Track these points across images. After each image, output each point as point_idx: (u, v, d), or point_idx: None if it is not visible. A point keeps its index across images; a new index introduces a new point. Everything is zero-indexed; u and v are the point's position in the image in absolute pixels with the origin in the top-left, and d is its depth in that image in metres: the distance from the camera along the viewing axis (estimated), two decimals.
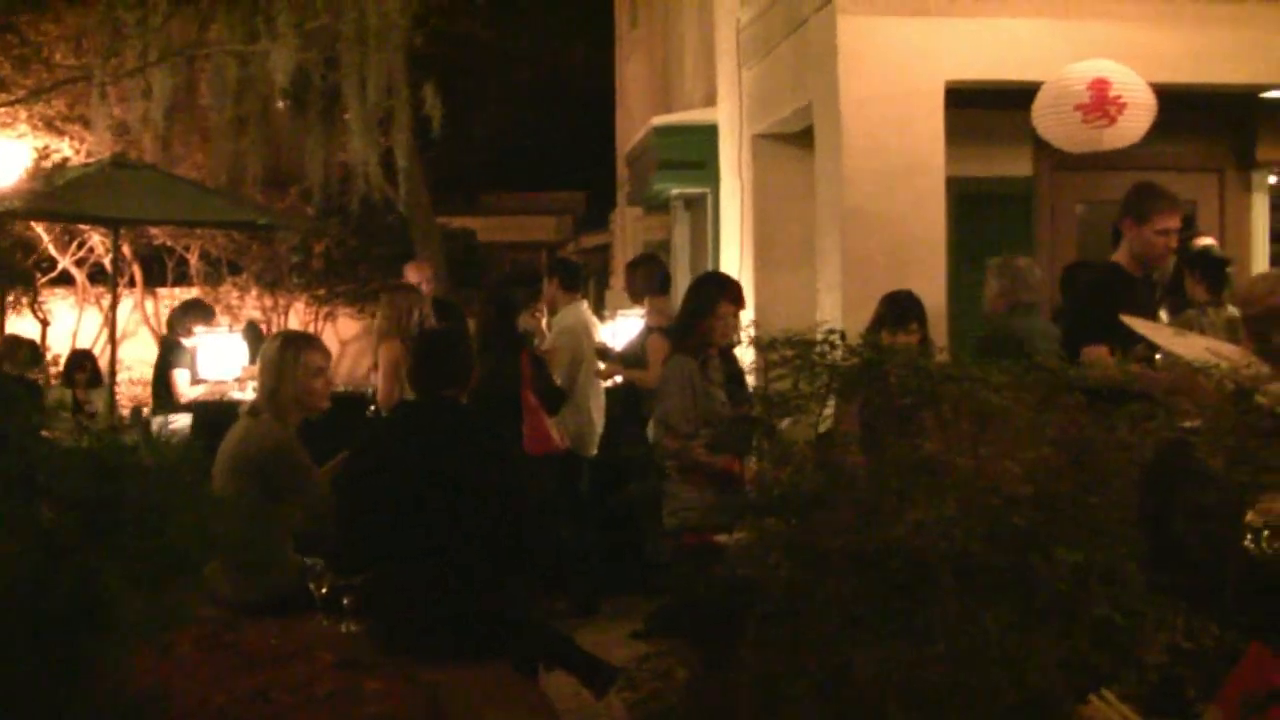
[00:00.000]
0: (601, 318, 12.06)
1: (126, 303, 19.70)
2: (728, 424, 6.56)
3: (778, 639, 3.56)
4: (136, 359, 18.84)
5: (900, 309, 7.55)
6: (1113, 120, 7.86)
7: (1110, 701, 2.72)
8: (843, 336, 3.88)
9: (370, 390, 10.18)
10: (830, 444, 3.69)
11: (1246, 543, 3.53)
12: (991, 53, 8.64)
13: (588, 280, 24.00)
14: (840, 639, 3.40)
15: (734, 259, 11.55)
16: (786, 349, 3.95)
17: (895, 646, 3.29)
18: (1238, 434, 3.55)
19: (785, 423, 3.97)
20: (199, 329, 11.95)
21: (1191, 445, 2.96)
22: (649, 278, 10.24)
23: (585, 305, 10.48)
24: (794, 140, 10.55)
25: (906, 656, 3.27)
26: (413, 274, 11.69)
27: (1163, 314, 8.40)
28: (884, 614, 3.36)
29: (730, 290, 7.46)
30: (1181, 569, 2.90)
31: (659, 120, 13.92)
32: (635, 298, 10.37)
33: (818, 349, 3.98)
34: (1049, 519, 3.18)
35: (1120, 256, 7.07)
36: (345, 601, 5.82)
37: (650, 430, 8.10)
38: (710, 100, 12.68)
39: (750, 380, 7.07)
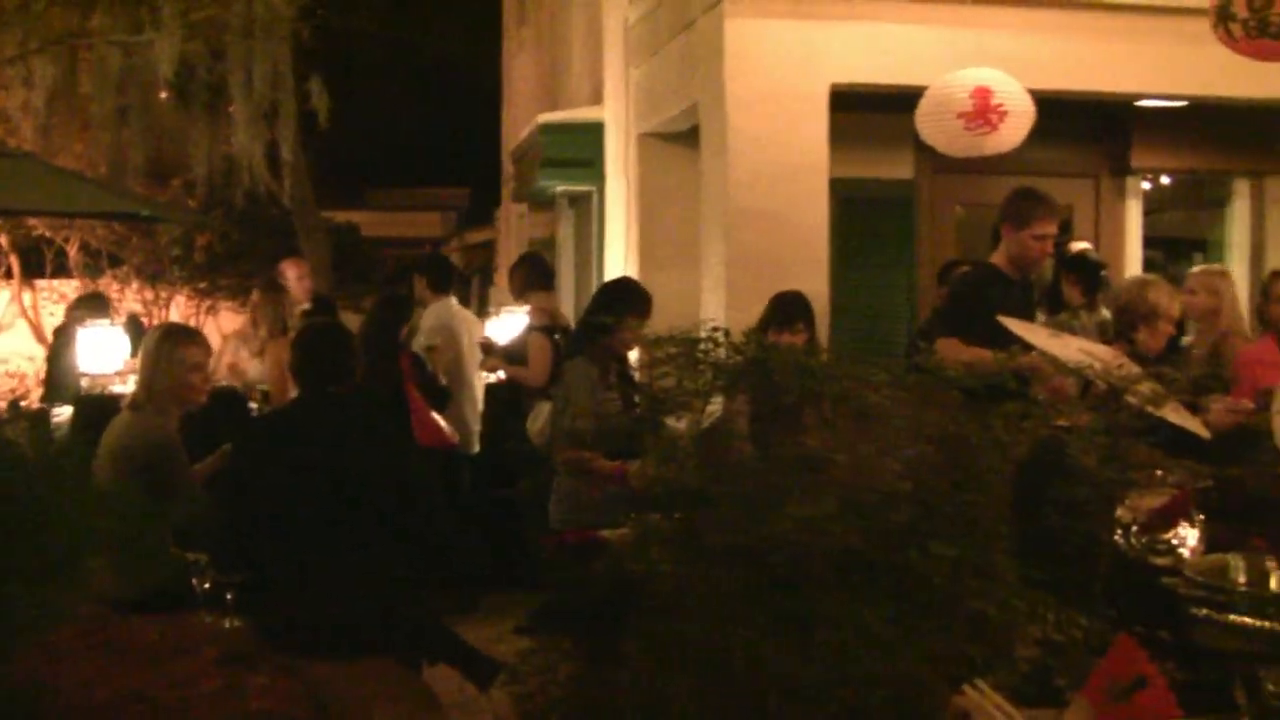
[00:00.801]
0: (486, 314, 12.06)
1: (3, 295, 19.40)
2: (620, 428, 6.58)
3: (659, 634, 3.60)
4: (12, 351, 18.56)
5: (787, 309, 7.61)
6: (994, 127, 8.00)
7: (983, 691, 2.79)
8: (726, 334, 3.92)
9: (242, 387, 10.08)
10: (713, 441, 3.73)
11: (1116, 538, 3.63)
12: (875, 57, 8.75)
13: (471, 277, 23.95)
14: (722, 634, 3.45)
15: (619, 257, 11.61)
16: (671, 346, 3.99)
17: (776, 641, 3.34)
18: (1109, 432, 3.65)
19: (670, 420, 4.02)
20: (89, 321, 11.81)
21: (1064, 443, 3.05)
22: (531, 276, 10.28)
23: (454, 303, 10.50)
24: (680, 140, 10.62)
25: (787, 650, 3.32)
26: (290, 270, 11.59)
27: (1040, 316, 8.57)
28: (765, 609, 3.41)
29: (642, 303, 7.51)
30: (1052, 563, 2.98)
31: (545, 117, 13.92)
32: (518, 295, 10.38)
33: (701, 346, 4.02)
34: (926, 515, 3.24)
35: (997, 258, 7.23)
36: (229, 597, 5.79)
37: (531, 425, 8.14)
38: (597, 98, 12.71)
39: (638, 378, 7.16)
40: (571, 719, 4.14)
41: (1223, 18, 6.38)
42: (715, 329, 4.10)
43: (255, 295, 10.78)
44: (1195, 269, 8.53)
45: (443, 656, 6.23)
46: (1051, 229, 7.18)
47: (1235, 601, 2.62)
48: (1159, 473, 3.87)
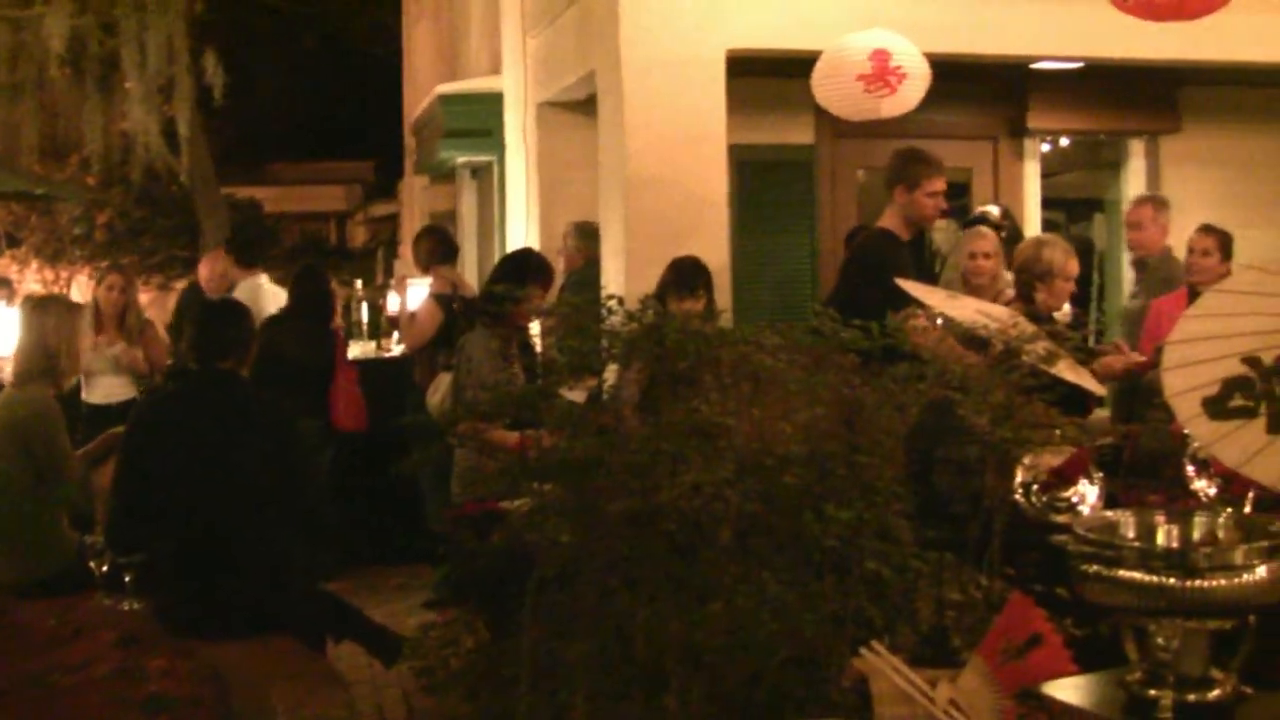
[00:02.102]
0: (390, 287, 12.00)
1: None
2: (520, 398, 6.54)
3: (557, 603, 3.59)
4: None
5: (686, 275, 7.60)
6: (893, 90, 8.01)
7: (880, 653, 2.79)
8: (620, 301, 3.91)
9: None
10: (607, 409, 3.72)
11: (1017, 497, 3.64)
12: (772, 21, 8.72)
13: (377, 249, 23.80)
14: (620, 601, 3.44)
15: (520, 227, 11.56)
16: (567, 314, 3.98)
17: (674, 606, 3.34)
18: (1003, 392, 3.66)
19: (566, 389, 4.00)
20: None
21: (954, 404, 3.05)
22: (433, 249, 10.23)
23: (265, 280, 10.51)
24: (579, 108, 10.57)
25: (685, 616, 3.32)
26: (204, 269, 11.48)
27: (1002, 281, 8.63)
28: (663, 575, 3.41)
29: (545, 274, 7.51)
30: (945, 523, 3.00)
31: (444, 88, 13.84)
32: (422, 268, 10.33)
33: (594, 313, 4.00)
34: (821, 478, 3.25)
35: (889, 221, 7.33)
36: (126, 579, 5.72)
37: (430, 398, 8.08)
38: (496, 68, 12.63)
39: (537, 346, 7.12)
40: (474, 690, 4.12)
41: None
42: (610, 296, 4.09)
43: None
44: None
45: (346, 633, 6.19)
46: (942, 185, 7.35)
47: (1123, 557, 2.63)
48: (1058, 431, 3.91)
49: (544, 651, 3.61)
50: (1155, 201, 8.81)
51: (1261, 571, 2.60)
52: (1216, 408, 3.07)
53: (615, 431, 3.50)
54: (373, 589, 9.08)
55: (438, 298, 9.55)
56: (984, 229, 8.66)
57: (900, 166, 7.36)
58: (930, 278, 8.55)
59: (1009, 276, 8.45)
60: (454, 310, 9.18)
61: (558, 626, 3.60)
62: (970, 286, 8.09)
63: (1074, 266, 7.18)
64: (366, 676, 7.07)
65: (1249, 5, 7.64)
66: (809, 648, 3.28)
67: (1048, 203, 12.06)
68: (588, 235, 9.85)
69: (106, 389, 9.28)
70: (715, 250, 8.31)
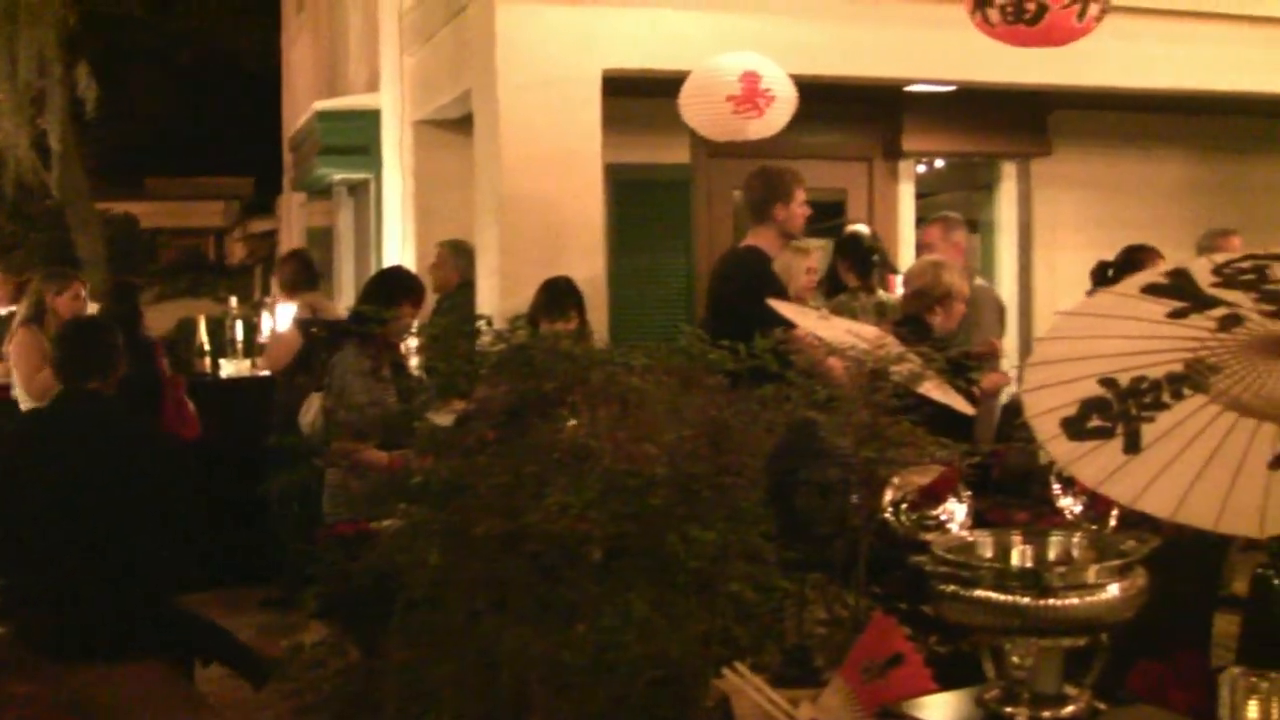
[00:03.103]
0: (264, 305, 11.91)
1: None
2: (391, 418, 6.51)
3: (424, 625, 3.58)
4: None
5: (558, 296, 7.62)
6: (761, 112, 8.08)
7: (743, 673, 2.81)
8: (489, 322, 3.90)
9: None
10: (472, 429, 3.71)
11: (886, 516, 3.68)
12: (646, 43, 8.77)
13: (255, 267, 23.55)
14: (486, 623, 3.43)
15: (396, 245, 11.52)
16: (435, 335, 3.97)
17: (539, 629, 3.33)
18: (868, 412, 3.70)
19: (434, 412, 3.99)
20: None
21: (816, 425, 3.08)
22: (296, 274, 10.18)
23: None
24: (455, 127, 10.56)
25: (551, 638, 3.31)
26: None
27: (819, 299, 8.71)
28: (529, 597, 3.40)
29: (415, 292, 7.48)
30: (807, 543, 3.02)
31: (321, 105, 13.79)
32: (285, 292, 10.25)
33: (466, 334, 4.00)
34: (686, 499, 3.26)
35: (761, 240, 7.40)
36: None
37: (302, 417, 8.01)
38: (374, 85, 12.59)
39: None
40: (344, 712, 4.09)
41: (980, 3, 6.49)
42: (479, 317, 4.08)
43: None
44: None
45: (214, 656, 6.13)
46: (805, 194, 7.44)
47: (979, 577, 2.67)
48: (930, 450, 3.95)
49: (410, 673, 3.59)
50: (944, 221, 8.85)
51: (1113, 590, 2.64)
52: (1075, 428, 3.11)
53: (480, 453, 3.49)
54: (239, 609, 8.97)
55: (298, 322, 9.51)
56: (809, 245, 8.76)
57: (773, 182, 7.46)
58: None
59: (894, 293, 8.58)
60: (312, 335, 9.13)
61: (425, 648, 3.58)
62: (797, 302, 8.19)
63: (967, 288, 7.32)
64: (236, 700, 6.98)
65: (1116, 32, 7.77)
66: (675, 669, 3.29)
67: (923, 222, 12.21)
68: (462, 254, 9.81)
69: None
70: (591, 270, 8.33)
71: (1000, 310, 8.70)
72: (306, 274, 10.21)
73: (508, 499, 3.32)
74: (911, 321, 6.97)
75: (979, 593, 2.65)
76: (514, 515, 3.35)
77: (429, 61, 10.71)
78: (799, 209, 7.44)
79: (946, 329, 7.14)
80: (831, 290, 9.08)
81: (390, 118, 11.76)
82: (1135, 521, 3.23)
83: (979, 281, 8.37)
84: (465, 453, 3.47)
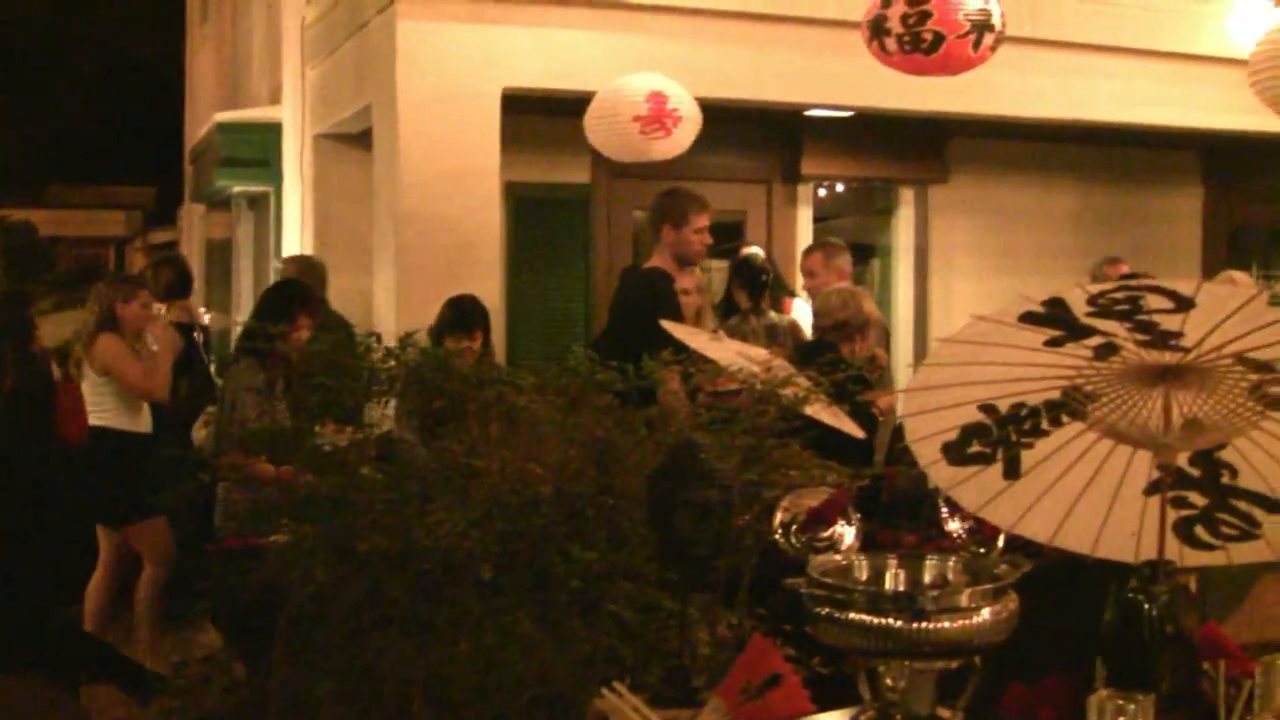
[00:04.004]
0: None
1: None
2: (284, 433, 6.47)
3: (308, 641, 3.57)
4: None
5: (464, 315, 7.59)
6: (668, 132, 8.11)
7: (621, 693, 2.82)
8: (379, 339, 3.90)
9: None
10: (360, 448, 3.71)
11: (776, 537, 3.70)
12: (547, 62, 8.79)
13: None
14: (370, 640, 3.43)
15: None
16: (320, 352, 3.96)
17: (423, 646, 3.34)
18: (754, 434, 3.73)
19: (321, 427, 3.98)
20: None
21: (698, 446, 3.10)
22: (170, 280, 10.07)
23: None
24: (356, 141, 10.53)
25: (434, 655, 3.32)
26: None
27: (713, 320, 8.74)
28: (413, 614, 3.40)
29: (311, 306, 7.43)
30: (688, 565, 3.03)
31: (222, 116, 13.71)
32: (161, 298, 10.14)
33: (359, 352, 3.99)
34: (568, 519, 3.28)
35: (659, 260, 7.41)
36: None
37: (196, 432, 7.95)
38: (276, 98, 12.54)
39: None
40: None
41: (877, 32, 6.57)
42: (370, 334, 4.08)
43: None
44: None
45: (99, 673, 6.06)
46: (706, 221, 7.46)
47: (853, 600, 2.70)
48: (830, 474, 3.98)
49: (294, 689, 3.58)
50: (826, 248, 8.91)
51: (985, 613, 2.67)
52: (956, 453, 3.16)
53: (361, 471, 3.49)
54: (125, 624, 8.87)
55: (178, 326, 9.43)
56: (697, 272, 8.81)
57: (666, 205, 7.47)
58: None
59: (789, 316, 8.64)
60: (194, 340, 9.05)
61: (308, 664, 3.57)
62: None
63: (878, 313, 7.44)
64: (123, 715, 6.91)
65: (1011, 63, 7.89)
66: (558, 687, 3.30)
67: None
68: (309, 269, 9.56)
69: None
70: (489, 288, 8.32)
71: (885, 333, 8.78)
72: (183, 281, 10.10)
73: (392, 516, 3.32)
74: (826, 349, 7.03)
75: (853, 615, 2.67)
76: (399, 533, 3.35)
77: (330, 75, 10.67)
78: (693, 235, 7.39)
79: (862, 353, 7.22)
80: (726, 313, 9.12)
81: (291, 131, 11.70)
82: (1020, 545, 3.28)
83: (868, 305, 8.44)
84: (348, 471, 3.46)
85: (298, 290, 7.73)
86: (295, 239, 11.50)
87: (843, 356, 6.92)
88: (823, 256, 8.68)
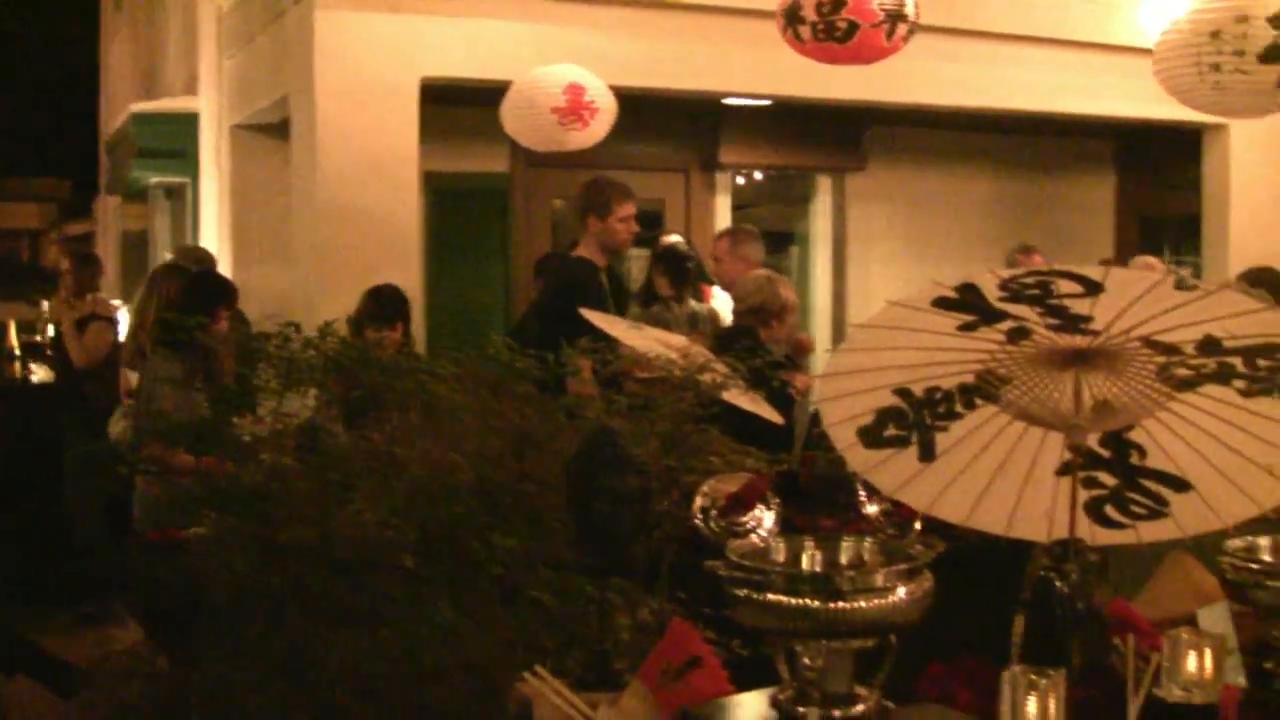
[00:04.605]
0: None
1: None
2: (202, 424, 6.44)
3: (231, 633, 3.57)
4: None
5: (384, 305, 7.59)
6: (586, 124, 8.14)
7: (544, 677, 2.84)
8: (297, 328, 3.90)
9: None
10: (279, 437, 3.71)
11: (696, 522, 3.73)
12: (465, 52, 8.79)
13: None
14: (293, 630, 3.43)
15: (212, 251, 11.38)
16: (239, 342, 3.96)
17: (345, 635, 3.34)
18: (672, 420, 3.76)
19: (238, 417, 3.98)
20: None
21: (615, 433, 3.12)
22: (94, 274, 10.04)
23: None
24: (273, 132, 10.48)
25: (356, 644, 3.32)
26: None
27: (635, 309, 8.78)
28: (334, 604, 3.41)
29: (230, 297, 7.41)
30: (607, 550, 3.06)
31: (138, 107, 13.61)
32: (80, 292, 10.09)
33: (274, 342, 3.98)
34: (489, 506, 3.29)
35: (584, 250, 7.44)
36: None
37: (113, 426, 7.91)
38: (193, 88, 12.45)
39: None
40: None
41: (792, 21, 6.61)
42: (288, 324, 4.07)
43: None
44: None
45: (18, 666, 6.01)
46: (632, 210, 7.49)
47: (771, 582, 2.74)
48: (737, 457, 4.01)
49: (217, 682, 3.58)
50: (733, 235, 8.95)
51: (901, 593, 2.72)
52: (871, 437, 3.20)
53: (279, 461, 3.49)
54: (46, 618, 8.79)
55: (108, 320, 9.41)
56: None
57: (591, 195, 7.51)
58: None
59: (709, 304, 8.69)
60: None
61: (232, 657, 3.57)
62: None
63: (798, 300, 7.50)
64: (43, 710, 6.85)
65: (927, 53, 7.97)
66: (481, 674, 3.32)
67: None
68: (200, 263, 9.54)
69: None
70: (407, 278, 8.31)
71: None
72: (97, 276, 10.08)
73: (313, 506, 3.32)
74: (744, 335, 7.08)
75: (771, 596, 2.71)
76: (320, 522, 3.36)
77: (248, 65, 10.61)
78: (619, 224, 7.44)
79: (780, 340, 7.28)
80: (647, 300, 9.16)
81: (208, 121, 11.64)
82: (936, 527, 3.33)
83: None
84: (265, 461, 3.46)
85: (217, 283, 7.70)
86: (213, 230, 11.43)
87: (760, 341, 6.99)
88: (729, 243, 8.70)
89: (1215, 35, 6.44)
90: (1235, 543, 3.31)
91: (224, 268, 10.59)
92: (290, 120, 9.24)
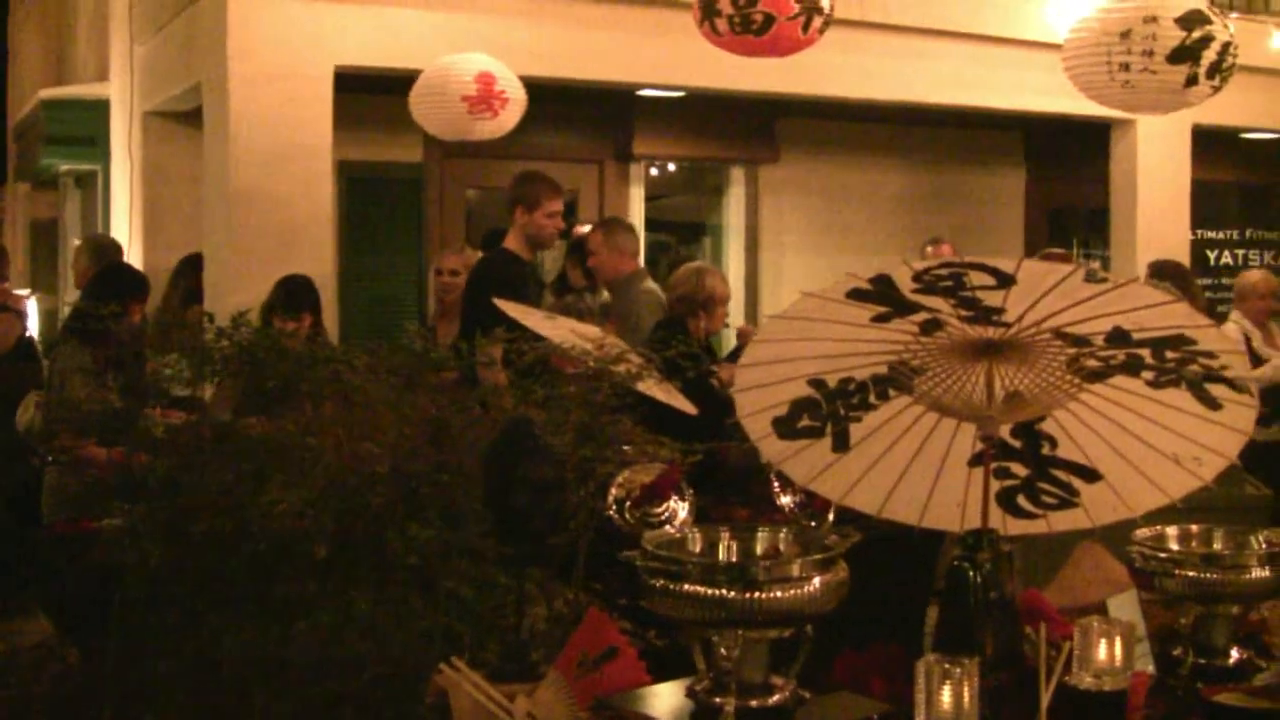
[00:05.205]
0: None
1: None
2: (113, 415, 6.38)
3: (143, 625, 3.55)
4: None
5: (293, 295, 7.55)
6: (496, 113, 8.12)
7: (460, 668, 2.84)
8: (211, 319, 3.88)
9: None
10: (190, 429, 3.69)
11: (610, 513, 3.74)
12: (379, 40, 8.74)
13: None
14: (207, 621, 3.41)
15: (124, 239, 11.26)
16: (149, 332, 3.93)
17: (261, 626, 3.33)
18: (587, 410, 3.77)
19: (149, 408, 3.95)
20: None
21: (531, 423, 3.13)
22: (4, 265, 9.91)
23: None
24: (186, 119, 10.37)
25: (272, 635, 3.31)
26: None
27: (549, 298, 8.77)
28: (249, 595, 3.39)
29: (142, 288, 7.35)
30: (523, 541, 3.06)
31: (47, 93, 13.42)
32: None
33: (187, 331, 3.97)
34: (405, 497, 3.29)
35: (511, 242, 7.43)
36: None
37: (20, 415, 7.79)
38: (104, 74, 12.30)
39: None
40: (60, 715, 4.03)
41: (708, 13, 6.63)
42: (204, 314, 4.06)
43: None
44: None
45: None
46: (559, 206, 7.49)
47: (687, 572, 2.75)
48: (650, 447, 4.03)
49: (129, 674, 3.56)
50: (605, 226, 8.89)
51: (816, 583, 2.74)
52: (785, 428, 3.22)
53: (193, 452, 3.47)
54: None
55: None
56: (464, 252, 8.80)
57: (520, 188, 7.49)
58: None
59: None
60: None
61: (144, 648, 3.55)
62: (443, 304, 8.24)
63: (729, 292, 7.49)
64: None
65: (841, 45, 8.02)
66: (397, 665, 3.31)
67: (657, 225, 12.40)
68: (101, 251, 9.48)
69: None
70: (320, 267, 8.27)
71: (662, 311, 8.70)
72: (4, 266, 9.95)
73: (227, 497, 3.31)
74: (673, 325, 7.10)
75: (687, 587, 2.72)
76: (234, 513, 3.34)
77: (160, 52, 10.50)
78: (544, 219, 7.42)
79: (710, 331, 7.30)
80: (561, 291, 9.15)
81: (119, 108, 11.52)
82: (850, 517, 3.35)
83: (648, 284, 8.47)
84: (185, 451, 3.44)
85: (125, 271, 7.64)
86: (124, 219, 11.30)
87: (689, 331, 7.03)
88: (602, 235, 8.62)
89: (1125, 35, 6.53)
90: (1144, 532, 3.35)
91: (135, 257, 10.50)
92: (203, 108, 9.15)
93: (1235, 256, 14.59)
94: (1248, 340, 8.97)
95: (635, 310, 8.00)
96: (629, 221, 9.12)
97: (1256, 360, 8.82)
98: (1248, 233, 14.82)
